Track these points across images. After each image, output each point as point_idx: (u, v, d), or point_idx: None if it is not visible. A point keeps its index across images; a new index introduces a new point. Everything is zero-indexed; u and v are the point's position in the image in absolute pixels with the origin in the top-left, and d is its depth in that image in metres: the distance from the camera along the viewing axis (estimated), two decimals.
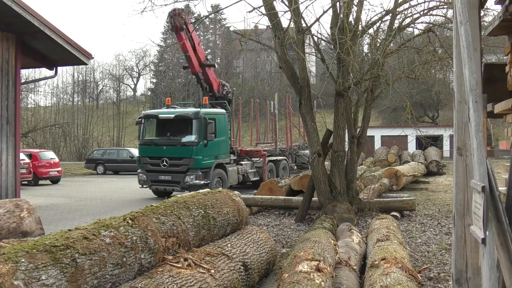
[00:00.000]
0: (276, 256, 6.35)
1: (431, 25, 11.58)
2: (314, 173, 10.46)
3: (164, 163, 15.88)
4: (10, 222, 6.06)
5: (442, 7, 10.85)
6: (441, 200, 14.40)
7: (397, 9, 10.76)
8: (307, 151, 24.12)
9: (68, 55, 13.09)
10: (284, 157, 21.46)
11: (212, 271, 4.43)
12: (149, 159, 16.25)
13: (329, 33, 10.39)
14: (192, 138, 15.84)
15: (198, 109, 16.47)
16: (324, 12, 10.74)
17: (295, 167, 23.74)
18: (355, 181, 11.46)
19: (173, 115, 16.18)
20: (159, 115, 16.66)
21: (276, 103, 22.07)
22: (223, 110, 17.61)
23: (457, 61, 3.20)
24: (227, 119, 17.62)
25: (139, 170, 16.81)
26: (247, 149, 19.55)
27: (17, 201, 6.59)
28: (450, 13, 10.50)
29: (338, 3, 9.80)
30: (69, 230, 3.78)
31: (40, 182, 22.59)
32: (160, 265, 4.19)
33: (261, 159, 18.83)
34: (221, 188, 14.18)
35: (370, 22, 10.63)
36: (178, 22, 15.54)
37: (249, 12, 10.87)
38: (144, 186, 16.43)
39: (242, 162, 18.26)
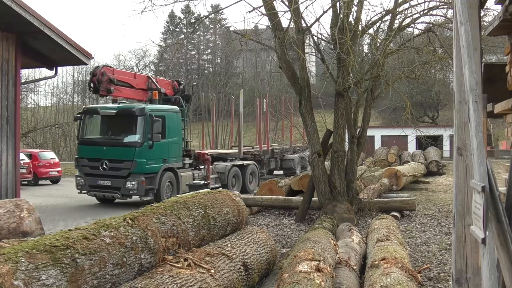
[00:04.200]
0: (276, 256, 6.35)
1: (431, 25, 11.59)
2: (314, 173, 10.46)
3: (104, 165, 13.90)
4: (10, 222, 6.07)
5: (442, 7, 10.86)
6: (441, 200, 14.40)
7: (397, 9, 10.76)
8: (294, 155, 23.12)
9: (68, 55, 13.08)
10: (253, 162, 18.87)
11: (212, 271, 4.43)
12: (88, 161, 14.32)
13: (329, 33, 10.40)
14: (135, 138, 13.84)
15: (144, 105, 14.58)
16: (324, 12, 10.78)
17: (267, 172, 21.32)
18: (355, 181, 11.46)
19: (115, 111, 14.22)
20: (100, 110, 14.62)
21: (241, 101, 19.47)
22: (175, 107, 15.41)
23: (457, 61, 3.20)
24: (182, 117, 15.45)
25: (76, 173, 14.99)
26: (199, 152, 17.04)
27: (17, 201, 6.60)
28: (450, 13, 10.51)
29: (338, 3, 9.80)
30: (69, 230, 3.78)
31: (40, 182, 22.56)
32: (160, 265, 4.19)
33: (205, 164, 16.34)
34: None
35: (370, 22, 10.64)
36: (104, 87, 13.96)
37: (249, 12, 10.89)
38: (83, 191, 14.57)
39: (201, 167, 16.13)
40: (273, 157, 22.07)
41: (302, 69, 10.39)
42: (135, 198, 14.02)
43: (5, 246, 4.10)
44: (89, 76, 14.26)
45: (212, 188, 14.58)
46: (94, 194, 14.60)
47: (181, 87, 16.91)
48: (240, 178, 17.88)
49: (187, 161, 15.60)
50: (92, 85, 14.08)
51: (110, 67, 14.35)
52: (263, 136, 22.64)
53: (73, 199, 16.33)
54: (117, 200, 14.72)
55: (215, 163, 17.10)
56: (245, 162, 18.37)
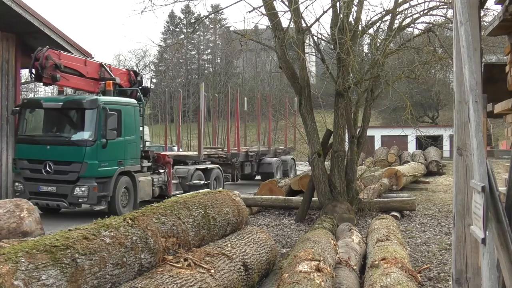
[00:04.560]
0: (276, 256, 6.35)
1: (431, 25, 11.59)
2: (314, 173, 10.46)
3: (48, 168, 11.59)
4: (10, 222, 6.07)
5: (442, 7, 10.87)
6: (441, 200, 14.40)
7: (397, 9, 10.76)
8: (273, 159, 20.92)
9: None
10: (217, 166, 16.89)
11: (212, 271, 4.43)
12: (28, 163, 11.93)
13: (329, 33, 10.40)
14: (85, 135, 11.68)
15: (95, 96, 12.44)
16: (324, 12, 10.78)
17: (239, 177, 19.24)
18: (355, 181, 11.47)
19: (61, 103, 12.04)
20: (44, 103, 12.39)
21: (202, 96, 16.66)
22: (132, 100, 13.25)
23: (457, 61, 3.20)
24: (140, 112, 13.38)
25: (14, 178, 12.62)
26: (159, 154, 14.85)
27: (17, 201, 6.60)
28: (450, 13, 10.51)
29: (338, 3, 9.80)
30: (69, 230, 3.78)
31: None
32: (160, 265, 4.20)
33: (165, 167, 14.25)
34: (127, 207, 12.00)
35: (370, 22, 10.65)
36: (48, 74, 11.65)
37: (249, 12, 10.90)
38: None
39: (161, 171, 14.08)
40: (248, 161, 19.68)
41: (302, 69, 10.39)
42: (85, 207, 12.15)
43: (5, 246, 4.11)
44: (31, 60, 11.79)
45: (174, 195, 13.16)
46: (35, 203, 10.57)
47: (139, 78, 14.83)
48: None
49: (146, 163, 13.43)
50: (34, 71, 11.72)
51: (56, 50, 12.09)
52: (241, 137, 20.73)
53: None
54: (63, 210, 12.39)
55: (176, 166, 14.98)
56: (209, 166, 16.45)
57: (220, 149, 19.96)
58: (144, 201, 12.54)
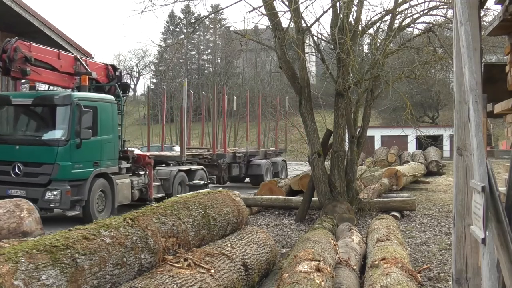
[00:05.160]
0: (276, 256, 6.35)
1: (431, 25, 11.59)
2: (314, 173, 10.47)
3: (17, 170, 10.72)
4: (10, 222, 6.07)
5: (442, 7, 10.87)
6: (441, 200, 14.40)
7: (397, 9, 10.77)
8: (263, 160, 19.95)
9: None
10: (202, 167, 15.91)
11: (212, 271, 4.43)
12: None
13: (329, 33, 10.40)
14: (57, 134, 10.80)
15: (69, 92, 11.42)
16: (324, 12, 10.78)
17: (225, 179, 18.11)
18: (355, 181, 11.47)
19: (31, 99, 11.12)
20: (12, 99, 11.29)
21: (185, 93, 15.71)
22: (109, 96, 12.26)
23: (457, 61, 3.20)
24: (118, 109, 12.44)
25: None
26: (139, 155, 13.82)
27: (17, 201, 6.59)
28: (450, 13, 10.52)
29: (338, 3, 9.80)
30: (69, 230, 3.78)
31: None
32: (160, 265, 4.20)
33: (146, 169, 13.28)
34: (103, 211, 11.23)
35: (370, 22, 10.65)
36: (17, 67, 10.83)
37: (249, 12, 10.91)
38: None
39: (141, 172, 13.15)
40: (236, 162, 18.75)
41: (302, 69, 10.40)
42: (58, 212, 11.18)
43: (5, 246, 4.11)
44: None
45: (155, 199, 12.82)
46: None
47: (117, 73, 13.82)
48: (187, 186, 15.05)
49: (124, 165, 12.51)
50: (1, 64, 10.89)
51: (26, 41, 11.25)
52: (230, 138, 20.60)
53: None
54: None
55: (157, 168, 14.19)
56: (193, 167, 15.49)
57: (206, 150, 19.02)
58: (123, 205, 11.93)
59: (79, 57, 12.58)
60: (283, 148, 23.33)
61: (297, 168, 14.80)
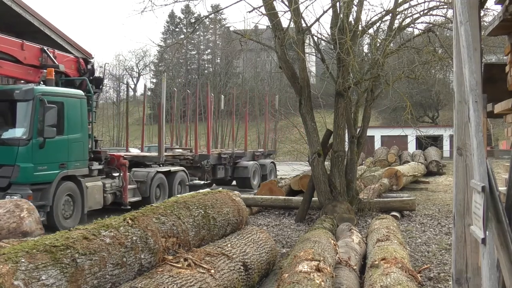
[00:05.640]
0: (276, 256, 6.35)
1: (431, 25, 11.59)
2: (314, 173, 10.47)
3: None
4: (10, 222, 6.07)
5: (442, 7, 10.87)
6: (441, 200, 14.40)
7: (397, 9, 10.76)
8: (250, 162, 19.12)
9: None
10: (182, 169, 15.02)
11: (212, 271, 4.43)
12: None
13: (329, 33, 10.40)
14: (17, 132, 9.88)
15: (31, 86, 10.30)
16: (324, 12, 10.78)
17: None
18: (355, 181, 11.47)
19: None
20: None
21: (164, 88, 15.12)
22: (78, 91, 11.28)
23: (457, 61, 3.20)
24: (88, 106, 11.51)
25: None
26: (113, 155, 12.72)
27: (17, 201, 6.60)
28: (450, 13, 10.52)
29: (338, 3, 9.80)
30: (69, 230, 3.78)
31: None
32: (160, 265, 4.20)
33: (120, 170, 12.35)
34: (71, 216, 10.39)
35: (370, 22, 10.65)
36: None
37: (249, 12, 10.90)
38: None
39: (115, 174, 12.25)
40: (221, 164, 17.75)
41: (302, 69, 10.40)
42: None
43: (5, 246, 4.10)
44: None
45: (130, 203, 12.15)
46: None
47: (89, 66, 12.72)
48: (167, 188, 14.03)
49: (96, 166, 11.63)
50: None
51: None
52: (217, 138, 19.75)
53: None
54: None
55: (134, 169, 13.29)
56: (173, 169, 14.55)
57: (189, 150, 17.75)
58: (94, 210, 11.20)
59: (45, 48, 11.48)
60: (272, 150, 22.50)
61: (297, 168, 14.76)
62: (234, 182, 19.25)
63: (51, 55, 11.44)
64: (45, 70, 10.96)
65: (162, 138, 14.31)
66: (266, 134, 23.01)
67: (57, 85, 11.12)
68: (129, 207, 11.68)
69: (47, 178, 9.98)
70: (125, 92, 63.40)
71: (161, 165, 14.30)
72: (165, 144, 16.13)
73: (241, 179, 18.57)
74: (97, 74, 13.16)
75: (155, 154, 15.00)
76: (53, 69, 10.90)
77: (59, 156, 10.33)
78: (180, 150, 18.16)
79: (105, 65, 16.53)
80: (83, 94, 11.35)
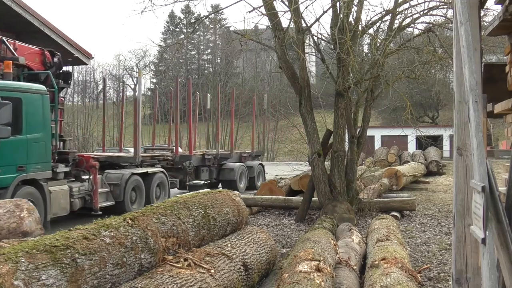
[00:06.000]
0: (276, 256, 6.35)
1: (431, 25, 11.59)
2: (314, 173, 10.47)
3: None
4: (10, 222, 6.06)
5: (442, 7, 10.87)
6: (441, 200, 14.40)
7: (397, 9, 10.76)
8: (237, 164, 18.21)
9: (68, 55, 13.08)
10: (161, 170, 14.02)
11: (212, 271, 4.43)
12: None
13: (329, 33, 10.40)
14: None
15: None
16: (324, 12, 10.78)
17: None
18: (355, 181, 11.46)
19: None
20: None
21: (142, 83, 14.82)
22: (39, 86, 10.19)
23: (457, 61, 3.20)
24: (52, 102, 10.54)
25: None
26: (81, 156, 11.76)
27: (17, 201, 6.59)
28: (450, 13, 10.52)
29: (338, 3, 9.80)
30: (69, 230, 3.78)
31: None
32: (160, 265, 4.20)
33: (90, 173, 11.40)
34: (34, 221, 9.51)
35: (370, 22, 10.65)
36: None
37: (249, 12, 10.90)
38: None
39: (84, 177, 11.34)
40: (205, 165, 16.76)
41: (302, 69, 10.39)
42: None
43: (5, 246, 4.10)
44: None
45: (103, 209, 11.25)
46: None
47: (56, 60, 11.77)
48: (143, 191, 13.00)
49: (62, 169, 10.65)
50: None
51: None
52: (210, 138, 19.08)
53: None
54: None
55: (107, 171, 12.34)
56: (151, 170, 13.54)
57: (170, 151, 16.69)
58: (61, 216, 10.41)
59: (4, 39, 10.58)
60: (260, 151, 22.02)
61: (297, 168, 14.75)
62: (220, 186, 17.61)
63: (11, 46, 10.56)
64: (2, 63, 9.99)
65: (138, 136, 13.40)
66: (253, 135, 22.50)
67: (18, 79, 10.30)
68: (100, 212, 10.92)
69: (2, 183, 9.00)
70: (127, 93, 63.29)
71: (137, 166, 13.29)
72: (146, 144, 15.16)
73: (227, 181, 17.37)
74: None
75: (130, 154, 14.11)
76: (11, 61, 9.95)
77: (17, 158, 9.35)
78: (161, 150, 17.28)
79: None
80: (46, 89, 10.29)
